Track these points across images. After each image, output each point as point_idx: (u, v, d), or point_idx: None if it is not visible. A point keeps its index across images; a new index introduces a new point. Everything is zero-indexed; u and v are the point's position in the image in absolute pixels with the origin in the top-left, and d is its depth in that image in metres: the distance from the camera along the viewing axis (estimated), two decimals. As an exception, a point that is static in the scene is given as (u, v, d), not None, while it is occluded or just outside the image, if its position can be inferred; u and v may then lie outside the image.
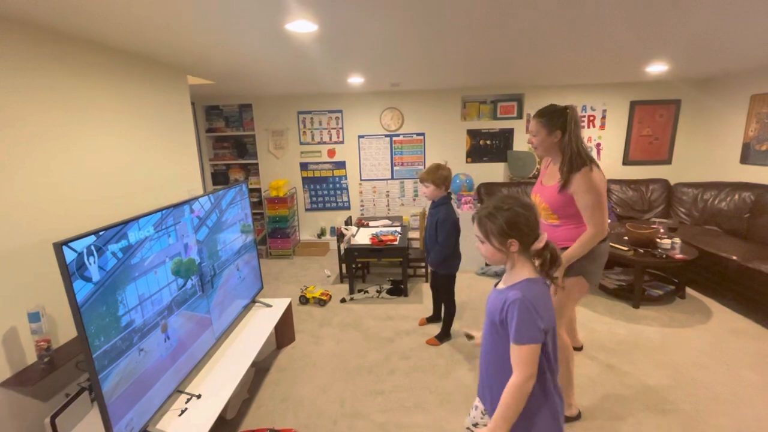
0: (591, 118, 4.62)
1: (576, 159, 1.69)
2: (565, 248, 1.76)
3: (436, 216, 2.55)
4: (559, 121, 1.72)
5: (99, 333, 1.30)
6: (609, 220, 1.84)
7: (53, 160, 1.75)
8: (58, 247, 1.17)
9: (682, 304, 3.17)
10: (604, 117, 4.58)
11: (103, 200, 2.04)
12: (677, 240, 3.09)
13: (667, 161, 4.67)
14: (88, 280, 1.27)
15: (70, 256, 1.20)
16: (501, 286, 1.14)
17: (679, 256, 2.99)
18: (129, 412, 1.43)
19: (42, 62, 1.73)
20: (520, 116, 4.67)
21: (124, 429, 1.39)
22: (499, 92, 4.62)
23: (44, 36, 1.73)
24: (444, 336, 2.75)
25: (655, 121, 4.57)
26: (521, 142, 4.74)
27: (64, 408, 1.57)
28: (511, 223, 1.06)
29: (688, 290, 3.34)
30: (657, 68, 3.43)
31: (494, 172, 4.85)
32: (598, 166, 1.72)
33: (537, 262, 1.11)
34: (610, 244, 2.60)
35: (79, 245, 1.24)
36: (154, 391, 1.57)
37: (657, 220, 3.56)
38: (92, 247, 1.29)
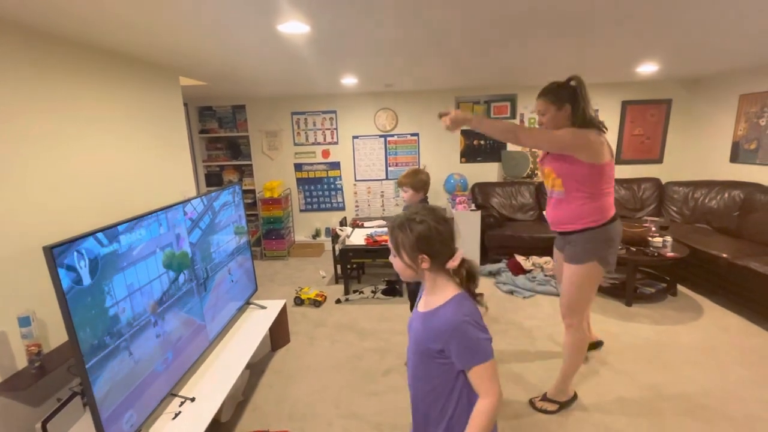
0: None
1: (588, 124, 1.69)
2: (570, 232, 1.78)
3: None
4: (565, 93, 1.72)
5: (91, 337, 1.29)
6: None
7: (43, 163, 1.74)
8: (48, 250, 1.16)
9: (674, 301, 3.20)
10: (596, 115, 4.62)
11: (95, 203, 2.02)
12: (669, 238, 3.12)
13: (659, 160, 4.72)
14: (79, 283, 1.26)
15: (60, 259, 1.19)
16: (422, 308, 1.03)
17: (670, 254, 3.02)
18: (122, 416, 1.42)
19: (32, 65, 1.71)
20: (513, 116, 4.70)
21: (116, 433, 1.38)
22: (493, 93, 4.64)
23: (34, 38, 1.71)
24: None
25: (646, 120, 4.62)
26: (515, 142, 4.76)
27: (56, 413, 1.56)
28: (424, 237, 0.96)
29: (680, 288, 3.38)
30: (648, 68, 3.47)
31: (488, 172, 4.87)
32: (604, 133, 1.72)
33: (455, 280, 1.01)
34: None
35: (70, 249, 1.23)
36: (147, 394, 1.56)
37: (649, 218, 3.60)
38: (83, 251, 1.28)
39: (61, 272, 1.19)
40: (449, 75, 3.55)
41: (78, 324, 1.24)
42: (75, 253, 1.25)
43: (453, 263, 0.98)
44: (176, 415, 1.65)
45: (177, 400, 1.73)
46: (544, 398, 2.06)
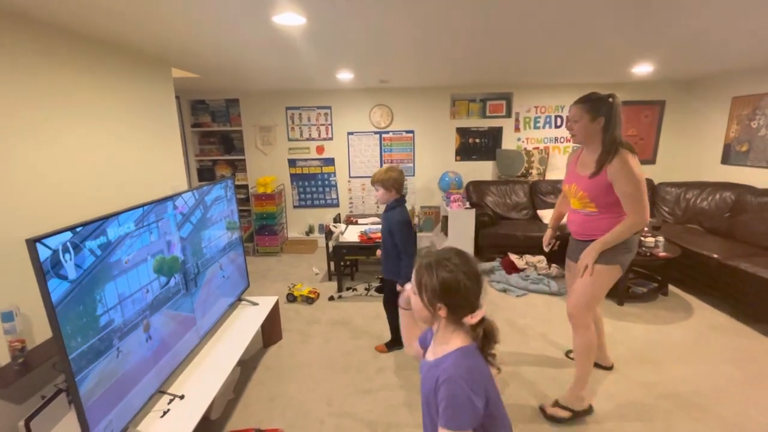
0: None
1: (617, 144, 1.68)
2: (594, 240, 1.77)
3: (389, 221, 2.33)
4: (603, 108, 1.71)
5: (76, 333, 1.25)
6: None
7: (30, 154, 1.68)
8: (31, 243, 1.12)
9: (665, 301, 3.23)
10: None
11: (82, 196, 1.97)
12: (660, 238, 3.14)
13: (652, 161, 4.76)
14: (64, 278, 1.22)
15: (44, 253, 1.15)
16: (431, 357, 0.99)
17: (662, 254, 3.04)
18: (108, 414, 1.39)
19: (19, 53, 1.65)
20: (509, 115, 4.70)
21: (102, 431, 1.35)
22: (488, 91, 4.64)
23: (22, 25, 1.66)
24: (394, 344, 2.62)
25: (640, 121, 4.65)
26: (510, 141, 4.77)
27: (40, 410, 1.52)
28: (447, 287, 0.91)
29: (671, 288, 3.41)
30: (643, 69, 3.49)
31: (483, 170, 4.87)
32: (635, 155, 1.71)
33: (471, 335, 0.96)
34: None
35: (54, 242, 1.19)
36: (134, 392, 1.53)
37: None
38: (68, 244, 1.24)
39: (45, 266, 1.15)
40: (446, 72, 3.53)
41: (62, 319, 1.20)
42: (60, 246, 1.21)
43: (472, 320, 0.93)
44: (165, 413, 1.62)
45: (166, 398, 1.70)
46: (556, 404, 1.97)
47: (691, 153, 4.49)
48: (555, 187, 4.50)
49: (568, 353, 2.51)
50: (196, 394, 1.73)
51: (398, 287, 2.34)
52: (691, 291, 3.36)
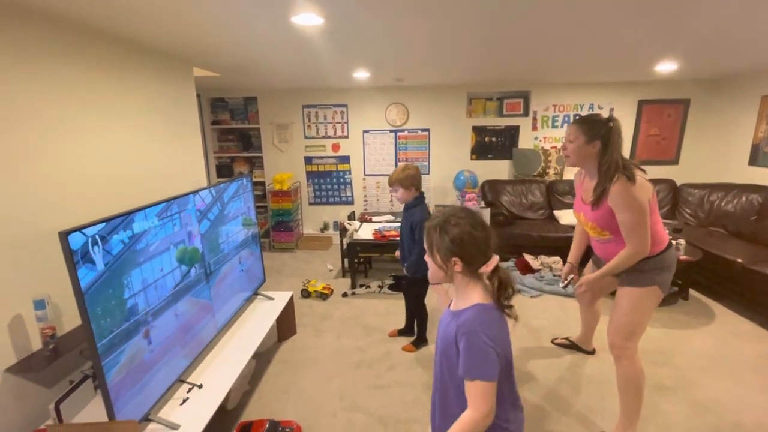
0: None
1: (613, 171, 1.58)
2: None
3: (410, 219, 2.38)
4: (601, 131, 1.62)
5: (103, 321, 1.32)
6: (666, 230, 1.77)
7: (60, 151, 1.77)
8: (63, 236, 1.18)
9: (685, 305, 3.15)
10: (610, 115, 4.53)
11: (108, 192, 2.06)
12: (682, 241, 3.06)
13: (674, 161, 4.63)
14: (93, 269, 1.28)
15: (74, 245, 1.21)
16: (453, 307, 1.05)
17: (683, 257, 2.97)
18: (131, 400, 1.45)
19: (49, 55, 1.73)
20: (526, 114, 4.64)
21: (126, 416, 1.41)
22: (506, 89, 4.59)
23: (51, 27, 1.74)
24: (421, 342, 2.65)
25: (662, 120, 4.52)
26: (527, 140, 4.71)
27: (68, 394, 1.59)
28: (458, 241, 0.96)
29: (692, 292, 3.32)
30: (666, 67, 3.39)
31: (499, 169, 4.83)
32: (643, 172, 1.62)
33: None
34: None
35: (84, 235, 1.25)
36: (156, 380, 1.59)
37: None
38: (97, 237, 1.30)
39: (76, 257, 1.21)
40: (462, 70, 3.51)
41: (91, 308, 1.27)
42: (89, 239, 1.27)
43: (486, 269, 0.98)
44: (184, 401, 1.68)
45: (185, 386, 1.76)
46: None
47: (717, 153, 4.35)
48: (572, 187, 4.42)
49: (553, 340, 2.62)
50: (213, 384, 1.79)
51: (405, 271, 2.46)
52: (713, 296, 3.26)
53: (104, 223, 1.35)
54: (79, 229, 1.24)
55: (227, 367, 1.92)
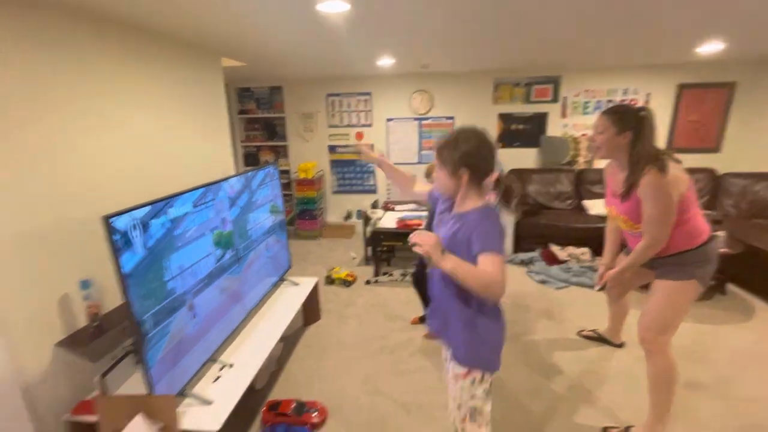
0: (633, 102, 4.37)
1: (645, 162, 1.52)
2: (665, 257, 1.63)
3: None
4: (632, 121, 1.56)
5: (143, 301, 1.40)
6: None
7: (101, 140, 1.86)
8: (106, 220, 1.25)
9: (723, 300, 3.01)
10: (647, 102, 4.32)
11: (143, 180, 2.15)
12: (721, 233, 2.91)
13: (715, 149, 4.37)
14: (133, 251, 1.35)
15: (116, 228, 1.28)
16: (457, 210, 1.21)
17: (722, 249, 2.82)
18: (168, 375, 1.54)
19: (86, 51, 1.81)
20: (555, 100, 4.48)
21: (164, 390, 1.50)
22: (534, 74, 4.43)
23: (89, 25, 1.81)
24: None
25: (704, 106, 4.26)
26: (555, 127, 4.56)
27: (112, 369, 1.71)
28: (467, 155, 1.12)
29: (730, 286, 3.17)
30: (711, 48, 3.18)
31: (525, 157, 4.71)
32: (677, 163, 1.55)
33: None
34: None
35: (125, 219, 1.32)
36: (191, 357, 1.68)
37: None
38: (137, 221, 1.37)
39: (118, 240, 1.28)
40: (490, 54, 3.41)
41: (132, 288, 1.34)
42: (130, 223, 1.34)
43: (490, 179, 1.16)
44: (216, 378, 1.77)
45: (217, 365, 1.85)
46: None
47: (763, 141, 4.07)
48: (603, 176, 4.26)
49: (580, 332, 2.59)
50: (243, 363, 1.87)
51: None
52: (753, 291, 3.10)
53: (145, 207, 1.41)
54: (121, 213, 1.31)
55: (256, 349, 2.00)
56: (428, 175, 2.38)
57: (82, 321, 1.76)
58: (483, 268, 1.05)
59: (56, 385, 1.65)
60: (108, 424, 1.43)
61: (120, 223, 1.30)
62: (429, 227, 2.59)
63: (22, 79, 1.52)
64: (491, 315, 1.22)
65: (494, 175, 1.16)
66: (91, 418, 1.55)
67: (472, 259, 1.09)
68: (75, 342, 1.68)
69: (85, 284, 1.70)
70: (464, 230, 1.14)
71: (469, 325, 1.21)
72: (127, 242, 1.33)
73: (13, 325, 1.48)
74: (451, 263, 1.06)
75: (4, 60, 1.45)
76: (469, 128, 1.16)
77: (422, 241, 1.08)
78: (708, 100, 4.24)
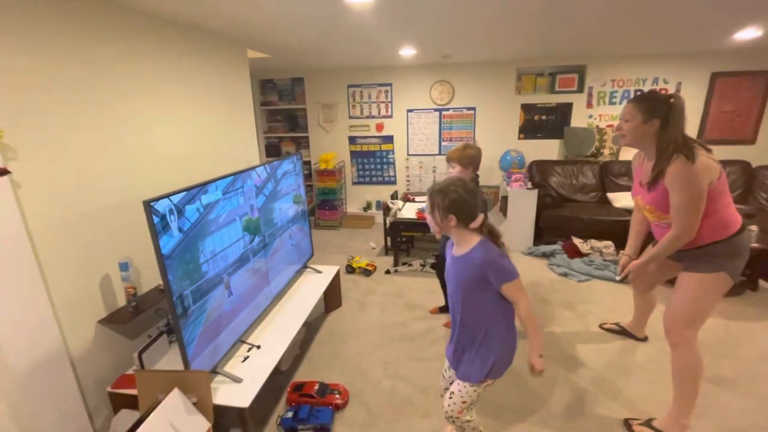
0: (663, 92, 4.22)
1: (672, 149, 1.49)
2: (693, 249, 1.60)
3: None
4: (660, 109, 1.52)
5: (179, 282, 1.47)
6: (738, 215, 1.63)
7: (138, 132, 1.95)
8: (147, 204, 1.32)
9: (753, 296, 2.92)
10: (678, 91, 4.16)
11: (178, 169, 2.24)
12: (753, 227, 2.81)
13: (751, 141, 4.18)
14: (171, 234, 1.43)
15: (157, 210, 1.35)
16: (457, 253, 1.36)
17: (754, 244, 2.72)
18: (201, 353, 1.62)
19: (133, 46, 1.89)
20: (580, 90, 4.37)
21: (198, 367, 1.58)
22: (559, 63, 4.33)
23: (132, 21, 1.89)
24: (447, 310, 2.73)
25: (739, 95, 4.08)
26: (580, 118, 4.46)
27: (148, 346, 1.81)
28: (454, 203, 1.27)
29: (762, 283, 3.06)
30: (748, 34, 3.04)
31: (548, 149, 4.63)
32: (707, 152, 1.50)
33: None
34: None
35: (164, 204, 1.39)
36: (222, 337, 1.76)
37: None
38: (174, 207, 1.44)
39: (157, 225, 1.36)
40: (515, 43, 3.35)
41: (170, 269, 1.42)
42: (168, 208, 1.41)
43: (475, 224, 1.30)
44: (245, 359, 1.85)
45: (245, 347, 1.93)
46: (649, 425, 1.76)
47: (804, 132, 3.87)
48: (629, 168, 4.16)
49: (602, 325, 2.58)
50: (270, 345, 1.95)
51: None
52: (787, 288, 3.00)
53: (182, 193, 1.49)
54: (160, 198, 1.38)
55: (281, 332, 2.08)
56: (449, 161, 2.40)
57: (121, 300, 1.87)
58: (515, 299, 1.29)
59: (99, 359, 1.77)
60: (147, 396, 1.52)
61: (159, 206, 1.37)
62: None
63: (66, 72, 1.60)
64: (512, 331, 1.38)
65: (477, 221, 1.30)
66: (131, 391, 1.65)
67: (492, 293, 1.29)
68: (115, 320, 1.79)
69: (123, 266, 1.80)
70: (474, 270, 1.29)
71: (492, 345, 1.36)
72: (166, 225, 1.40)
73: (62, 303, 1.59)
74: (537, 338, 1.30)
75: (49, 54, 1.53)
76: (457, 179, 1.33)
77: (540, 366, 1.28)
78: (743, 89, 4.05)
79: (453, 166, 2.38)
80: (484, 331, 1.35)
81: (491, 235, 1.33)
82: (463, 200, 1.28)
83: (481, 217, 1.31)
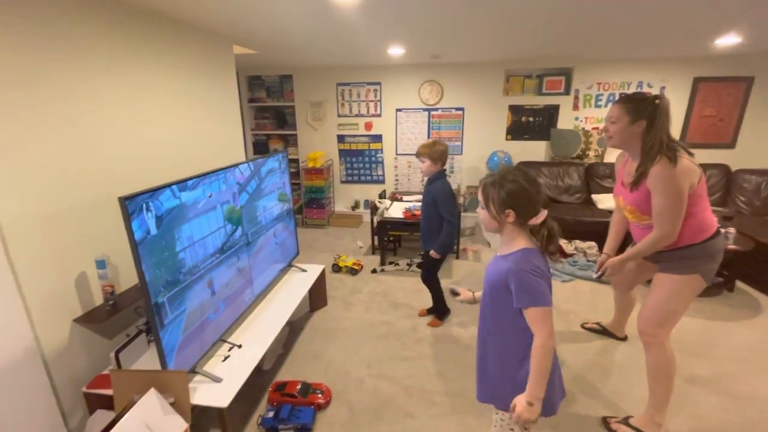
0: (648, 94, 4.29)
1: (656, 151, 1.51)
2: (670, 251, 1.62)
3: (433, 192, 2.47)
4: (647, 110, 1.54)
5: (155, 280, 1.45)
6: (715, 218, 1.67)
7: (116, 126, 1.90)
8: (122, 201, 1.29)
9: (730, 297, 2.99)
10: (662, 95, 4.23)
11: (158, 163, 2.20)
12: (731, 230, 2.88)
13: (730, 145, 4.29)
14: (147, 231, 1.40)
15: (131, 209, 1.32)
16: (500, 253, 1.18)
17: (731, 246, 2.80)
18: (180, 352, 1.60)
19: (106, 42, 1.84)
20: (567, 92, 4.43)
21: (176, 366, 1.56)
22: (547, 66, 4.38)
23: (109, 13, 1.84)
24: (443, 313, 2.73)
25: (721, 100, 4.17)
26: (567, 120, 4.51)
27: (126, 345, 1.77)
28: (513, 195, 1.09)
29: (739, 284, 3.14)
30: (728, 41, 3.11)
31: (535, 150, 4.68)
32: (689, 155, 1.52)
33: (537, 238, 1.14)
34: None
35: (140, 200, 1.37)
36: (201, 337, 1.74)
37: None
38: (149, 203, 1.42)
39: (133, 222, 1.33)
40: (502, 44, 3.38)
41: (146, 266, 1.39)
42: (144, 205, 1.38)
43: (536, 221, 1.10)
44: (225, 358, 1.83)
45: (226, 346, 1.91)
46: (626, 422, 1.78)
47: (781, 137, 3.98)
48: (614, 171, 4.22)
49: (584, 325, 2.63)
50: (251, 345, 1.93)
51: (432, 253, 2.50)
52: (762, 289, 3.07)
53: (161, 190, 1.46)
54: (136, 195, 1.35)
55: (263, 331, 2.06)
56: (419, 155, 2.47)
57: (98, 299, 1.83)
58: (534, 330, 1.08)
59: (74, 359, 1.73)
60: (123, 397, 1.49)
61: (135, 203, 1.34)
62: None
63: (39, 64, 1.55)
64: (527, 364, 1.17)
65: (541, 216, 1.10)
66: (107, 391, 1.62)
67: (515, 311, 1.10)
68: (92, 319, 1.75)
69: (100, 264, 1.76)
70: (501, 275, 1.11)
71: (505, 373, 1.19)
72: (142, 222, 1.38)
73: (35, 301, 1.55)
74: (536, 382, 1.07)
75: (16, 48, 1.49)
76: (515, 168, 1.15)
77: (521, 410, 1.08)
78: (725, 95, 4.15)
79: (423, 161, 2.46)
80: (502, 348, 1.19)
81: (549, 238, 1.12)
82: (524, 191, 1.08)
83: (544, 213, 1.11)
